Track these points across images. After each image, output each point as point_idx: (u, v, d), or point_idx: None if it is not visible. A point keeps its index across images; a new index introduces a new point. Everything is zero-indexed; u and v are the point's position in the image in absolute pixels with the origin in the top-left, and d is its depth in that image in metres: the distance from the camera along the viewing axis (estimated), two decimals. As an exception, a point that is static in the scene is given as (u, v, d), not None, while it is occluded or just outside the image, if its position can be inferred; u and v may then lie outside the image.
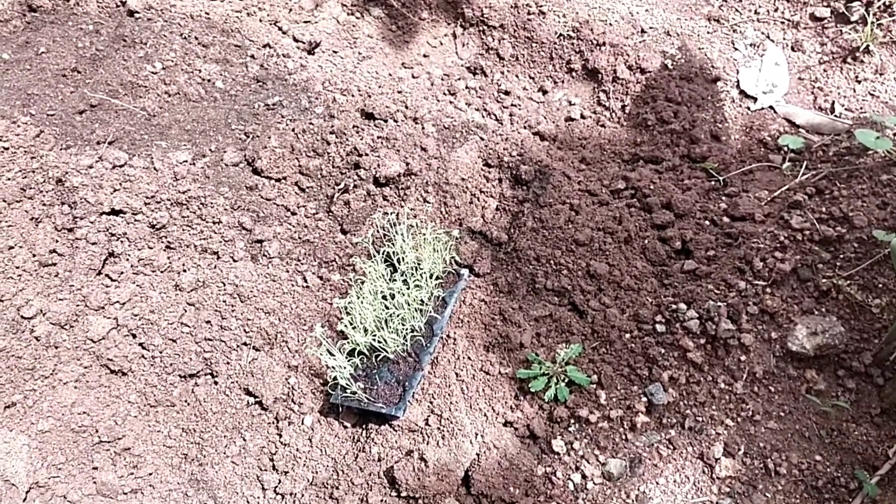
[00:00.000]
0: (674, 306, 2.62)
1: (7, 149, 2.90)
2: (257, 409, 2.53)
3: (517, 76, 3.61)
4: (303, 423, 2.49)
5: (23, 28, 3.39)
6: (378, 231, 2.82)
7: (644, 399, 2.52)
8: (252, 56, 3.39)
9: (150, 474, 2.43)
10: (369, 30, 3.85)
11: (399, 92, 3.34)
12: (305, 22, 3.76)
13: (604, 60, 3.46)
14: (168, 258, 2.72)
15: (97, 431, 2.46)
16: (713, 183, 3.02)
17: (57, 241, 2.73)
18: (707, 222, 2.86)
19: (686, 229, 2.82)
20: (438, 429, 2.40)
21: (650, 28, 3.56)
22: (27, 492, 2.43)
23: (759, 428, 2.45)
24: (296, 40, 3.63)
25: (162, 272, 2.69)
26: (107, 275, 2.67)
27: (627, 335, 2.60)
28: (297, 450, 2.45)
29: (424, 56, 3.77)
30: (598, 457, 2.46)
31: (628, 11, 3.65)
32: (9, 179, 2.83)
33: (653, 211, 2.87)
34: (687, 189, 2.96)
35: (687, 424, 2.48)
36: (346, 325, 2.46)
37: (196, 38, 3.38)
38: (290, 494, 2.41)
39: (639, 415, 2.50)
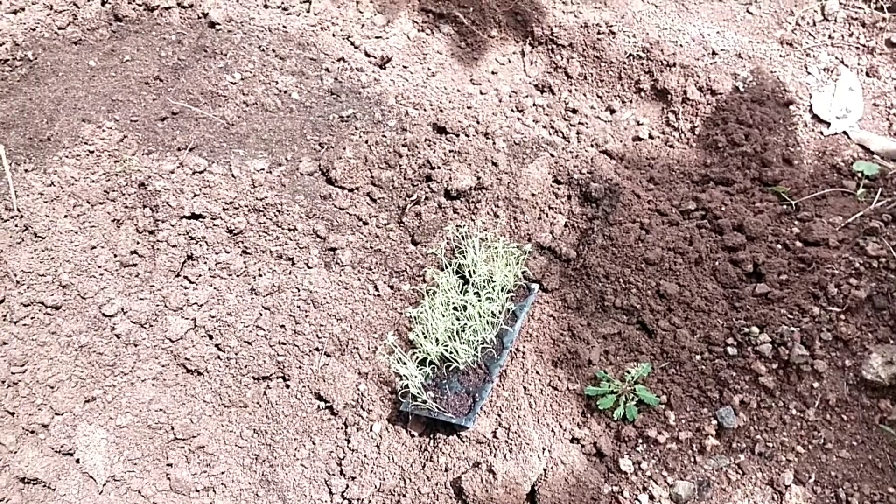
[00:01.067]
0: (746, 329, 2.60)
1: (92, 152, 3.01)
2: (327, 414, 2.57)
3: (585, 95, 3.63)
4: (371, 430, 2.52)
5: (108, 36, 3.53)
6: (450, 243, 2.85)
7: (714, 422, 2.50)
8: (326, 69, 3.47)
9: (223, 473, 2.48)
10: (439, 46, 3.91)
11: (469, 107, 3.39)
12: (377, 37, 3.84)
13: (674, 81, 3.46)
14: (244, 263, 2.79)
15: (173, 429, 2.53)
16: (785, 207, 2.99)
17: (138, 243, 2.83)
18: (779, 246, 2.83)
19: (758, 252, 2.79)
20: (506, 442, 2.41)
21: (721, 50, 3.55)
22: (104, 484, 2.50)
23: (831, 457, 2.40)
24: (367, 55, 3.70)
25: (238, 276, 2.76)
26: (185, 277, 2.74)
27: (698, 356, 2.58)
28: (365, 456, 2.48)
29: (493, 73, 3.82)
30: (665, 478, 2.44)
31: (699, 33, 3.65)
32: (93, 181, 2.94)
33: (724, 233, 2.85)
34: (759, 212, 2.94)
35: (757, 450, 2.45)
36: (417, 335, 2.49)
37: (273, 51, 3.47)
38: (358, 500, 2.44)
39: (708, 437, 2.48)
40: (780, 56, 3.55)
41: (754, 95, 3.37)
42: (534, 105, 3.62)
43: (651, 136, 3.44)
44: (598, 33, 3.64)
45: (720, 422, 2.49)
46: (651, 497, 2.41)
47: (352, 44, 3.75)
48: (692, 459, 2.47)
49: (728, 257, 2.80)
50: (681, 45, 3.59)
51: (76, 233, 2.83)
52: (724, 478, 2.43)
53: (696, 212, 2.97)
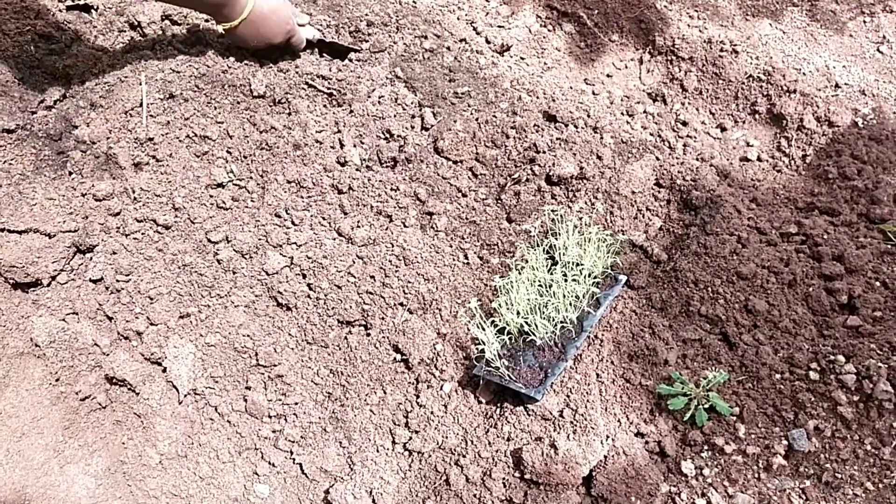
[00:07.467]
0: (831, 357, 2.55)
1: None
2: (402, 367, 2.65)
3: (697, 109, 3.62)
4: (441, 389, 2.58)
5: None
6: (544, 225, 2.90)
7: (784, 442, 2.46)
8: (448, 48, 3.57)
9: (297, 404, 2.59)
10: (558, 43, 3.96)
11: (581, 102, 3.43)
12: (499, 26, 3.92)
13: (791, 108, 3.41)
14: (344, 213, 2.90)
15: (256, 355, 2.65)
16: (889, 247, 2.91)
17: (250, 179, 2.97)
18: (878, 283, 2.76)
19: (855, 285, 2.73)
20: (571, 423, 2.44)
21: (845, 84, 3.49)
22: (185, 395, 2.65)
23: (902, 499, 2.33)
24: (488, 42, 3.79)
25: (337, 224, 2.87)
26: (289, 218, 2.87)
27: (778, 375, 2.55)
28: (432, 413, 2.55)
29: (607, 76, 3.85)
30: (727, 488, 2.41)
31: (824, 64, 3.60)
32: (213, 120, 3.11)
33: (822, 260, 2.80)
34: (861, 246, 2.88)
35: (824, 478, 2.40)
36: (500, 304, 2.54)
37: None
38: (418, 453, 2.51)
39: (776, 456, 2.44)
40: (906, 98, 3.46)
41: (873, 133, 3.30)
42: (644, 112, 3.63)
43: (759, 159, 3.40)
44: (721, 50, 3.63)
45: (791, 443, 2.45)
46: (709, 503, 2.39)
47: (474, 29, 3.84)
48: (756, 475, 2.44)
49: (823, 285, 2.75)
50: (803, 74, 3.54)
51: (194, 163, 2.99)
52: (787, 500, 2.38)
53: (797, 236, 2.93)
